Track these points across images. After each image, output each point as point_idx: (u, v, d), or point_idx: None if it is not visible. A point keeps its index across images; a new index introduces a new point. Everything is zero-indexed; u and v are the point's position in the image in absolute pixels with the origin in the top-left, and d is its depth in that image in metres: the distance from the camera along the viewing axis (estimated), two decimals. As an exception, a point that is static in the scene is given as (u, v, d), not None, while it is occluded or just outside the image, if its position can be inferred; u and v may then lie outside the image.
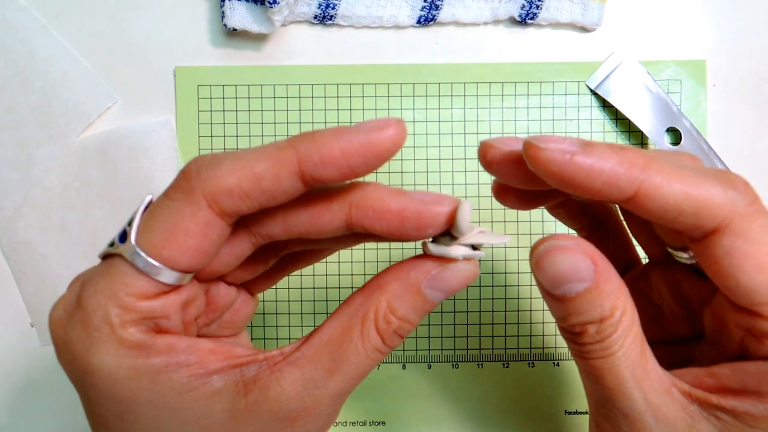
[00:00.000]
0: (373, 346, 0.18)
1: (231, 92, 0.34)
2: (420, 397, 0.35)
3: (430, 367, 0.35)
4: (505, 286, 0.35)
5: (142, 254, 0.17)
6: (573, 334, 0.18)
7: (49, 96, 0.34)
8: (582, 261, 0.17)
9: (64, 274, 0.34)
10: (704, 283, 0.21)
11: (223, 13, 0.33)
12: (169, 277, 0.17)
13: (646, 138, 0.34)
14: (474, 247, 0.19)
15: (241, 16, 0.33)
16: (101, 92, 0.34)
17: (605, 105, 0.35)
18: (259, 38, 0.34)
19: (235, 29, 0.33)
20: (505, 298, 0.35)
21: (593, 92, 0.35)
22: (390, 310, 0.18)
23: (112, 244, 0.18)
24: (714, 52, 0.35)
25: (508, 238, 0.19)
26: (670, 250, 0.21)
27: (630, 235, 0.24)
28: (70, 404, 0.34)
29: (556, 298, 0.18)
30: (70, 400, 0.34)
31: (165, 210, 0.17)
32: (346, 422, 0.34)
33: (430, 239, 0.19)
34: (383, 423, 0.34)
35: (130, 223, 0.18)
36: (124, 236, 0.17)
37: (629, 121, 0.34)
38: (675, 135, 0.34)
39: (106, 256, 0.18)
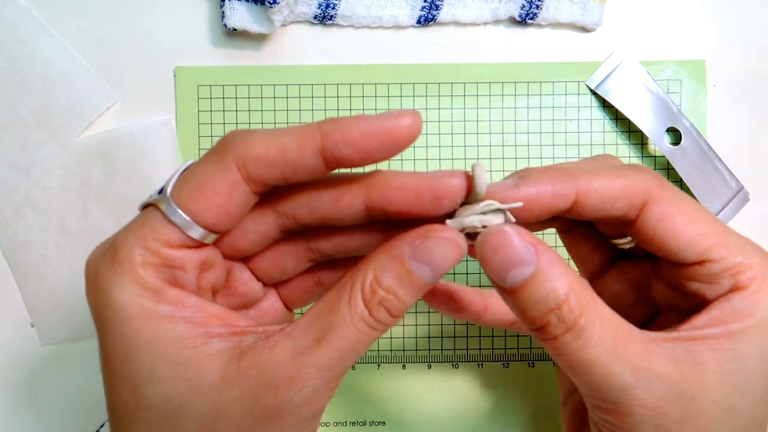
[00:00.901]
0: (359, 315, 0.18)
1: (231, 92, 0.34)
2: (420, 397, 0.35)
3: (430, 367, 0.35)
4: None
5: (173, 205, 0.19)
6: (540, 331, 0.19)
7: (49, 96, 0.34)
8: (520, 244, 0.18)
9: (64, 274, 0.34)
10: (648, 263, 0.23)
11: (223, 13, 0.33)
12: (194, 231, 0.19)
13: (646, 138, 0.34)
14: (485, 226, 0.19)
15: (241, 16, 0.33)
16: (101, 92, 0.34)
17: (605, 105, 0.35)
18: (259, 38, 0.34)
19: (235, 29, 0.33)
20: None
21: (593, 92, 0.35)
22: (376, 279, 0.19)
23: (151, 197, 0.20)
24: (714, 52, 0.35)
25: (520, 203, 0.20)
26: (613, 241, 0.23)
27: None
28: (69, 404, 0.34)
29: (508, 291, 0.19)
30: (70, 401, 0.34)
31: (200, 169, 0.19)
32: (346, 422, 0.34)
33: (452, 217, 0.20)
34: (383, 423, 0.34)
35: (169, 180, 0.19)
36: (162, 190, 0.19)
37: (629, 121, 0.34)
38: (675, 135, 0.34)
39: (145, 207, 0.20)
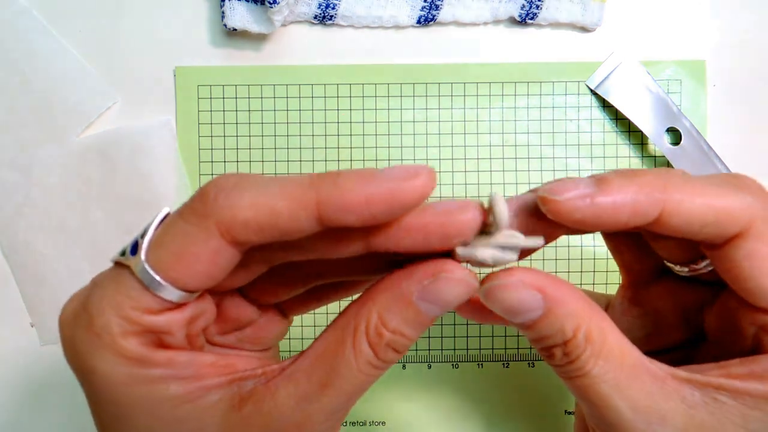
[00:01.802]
0: (366, 359, 0.18)
1: (231, 92, 0.34)
2: (420, 397, 0.35)
3: (430, 367, 0.35)
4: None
5: (150, 272, 0.17)
6: (545, 357, 0.19)
7: (49, 96, 0.34)
8: (526, 294, 0.18)
9: (65, 274, 0.34)
10: (703, 289, 0.21)
11: (223, 13, 0.33)
12: (174, 295, 0.17)
13: (646, 138, 0.34)
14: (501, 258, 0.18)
15: (241, 16, 0.33)
16: (101, 92, 0.34)
17: (605, 105, 0.35)
18: (259, 38, 0.34)
19: (235, 29, 0.33)
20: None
21: (593, 92, 0.35)
22: (381, 322, 0.18)
23: (123, 253, 0.18)
24: (714, 52, 0.35)
25: (541, 241, 0.18)
26: (669, 265, 0.21)
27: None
28: (70, 404, 0.34)
29: (517, 325, 0.18)
30: (71, 401, 0.34)
31: (177, 230, 0.17)
32: (346, 422, 0.34)
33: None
34: (383, 423, 0.34)
35: (143, 235, 0.18)
36: (135, 248, 0.18)
37: (629, 121, 0.34)
38: (675, 135, 0.34)
39: (116, 263, 0.18)
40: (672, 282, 0.22)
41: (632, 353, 0.18)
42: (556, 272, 0.34)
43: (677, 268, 0.21)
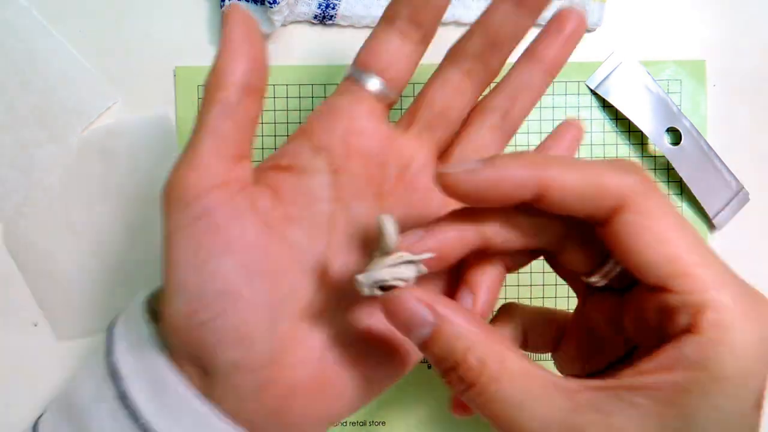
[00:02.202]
0: None
1: (231, 92, 0.34)
2: (420, 397, 0.35)
3: (430, 367, 0.35)
4: (505, 286, 0.35)
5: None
6: (447, 383, 0.19)
7: (49, 96, 0.34)
8: (416, 306, 0.19)
9: (74, 271, 0.34)
10: (620, 296, 0.21)
11: (223, 13, 0.33)
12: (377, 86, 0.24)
13: (646, 138, 0.34)
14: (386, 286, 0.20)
15: (241, 16, 0.33)
16: (101, 92, 0.34)
17: (605, 105, 0.35)
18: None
19: (235, 29, 0.33)
20: (505, 298, 0.35)
21: (593, 92, 0.35)
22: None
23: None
24: (714, 52, 0.35)
25: (430, 254, 0.20)
26: (583, 279, 0.22)
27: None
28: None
29: (417, 346, 0.20)
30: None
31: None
32: (346, 422, 0.34)
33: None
34: (383, 423, 0.34)
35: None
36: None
37: (629, 121, 0.34)
38: (675, 135, 0.34)
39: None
40: (596, 296, 0.22)
41: (537, 372, 0.18)
42: (543, 285, 0.34)
43: (592, 279, 0.21)
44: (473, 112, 0.26)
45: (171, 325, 0.21)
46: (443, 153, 0.26)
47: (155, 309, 0.24)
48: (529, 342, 0.25)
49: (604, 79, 0.35)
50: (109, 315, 0.34)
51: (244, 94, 0.21)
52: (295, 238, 0.23)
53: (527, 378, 0.18)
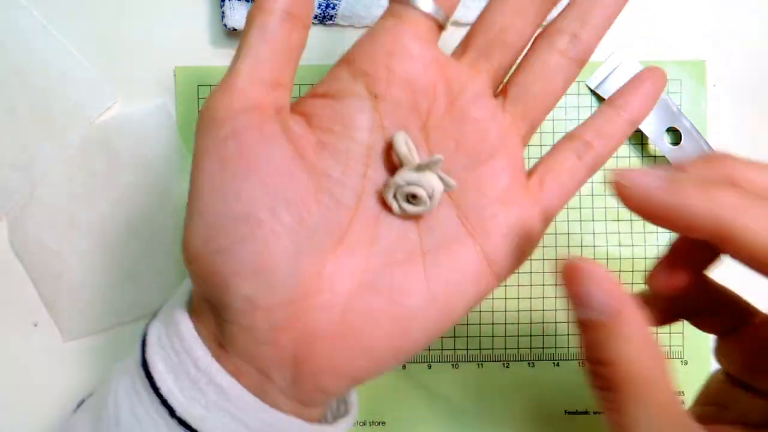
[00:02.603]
0: None
1: (231, 92, 0.34)
2: (420, 397, 0.35)
3: (430, 367, 0.35)
4: (506, 286, 0.35)
5: None
6: (586, 370, 0.19)
7: (49, 96, 0.34)
8: (602, 290, 0.18)
9: (79, 268, 0.34)
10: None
11: (223, 13, 0.33)
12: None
13: (646, 138, 0.34)
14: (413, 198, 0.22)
15: (241, 16, 0.33)
16: (101, 92, 0.34)
17: (605, 105, 0.35)
18: (259, 38, 0.34)
19: (235, 29, 0.33)
20: (505, 298, 0.35)
21: (593, 92, 0.35)
22: None
23: None
24: (714, 52, 0.35)
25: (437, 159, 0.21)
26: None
27: None
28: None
29: (579, 322, 0.18)
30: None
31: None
32: (346, 422, 0.34)
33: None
34: (383, 423, 0.34)
35: None
36: None
37: (629, 121, 0.34)
38: (675, 135, 0.34)
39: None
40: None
41: (681, 420, 0.18)
42: (543, 285, 0.34)
43: None
44: (537, 37, 0.24)
45: (189, 255, 0.21)
46: (503, 85, 0.24)
47: None
48: None
49: (604, 79, 0.35)
50: (115, 312, 0.34)
51: (285, 20, 0.21)
52: (328, 168, 0.22)
53: (667, 416, 0.17)
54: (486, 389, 0.35)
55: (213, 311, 0.22)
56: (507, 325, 0.35)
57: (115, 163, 0.34)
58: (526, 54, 0.24)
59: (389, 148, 0.22)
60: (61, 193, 0.34)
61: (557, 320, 0.35)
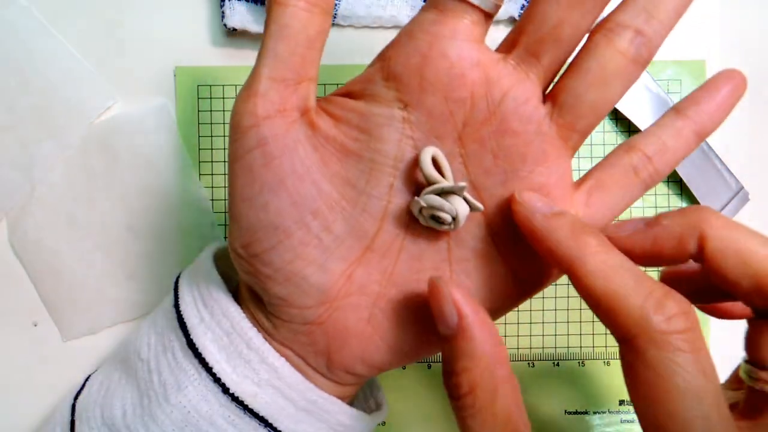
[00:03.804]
0: None
1: (231, 92, 0.34)
2: (420, 397, 0.35)
3: (429, 367, 0.35)
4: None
5: None
6: (444, 384, 0.20)
7: (49, 96, 0.34)
8: (447, 305, 0.19)
9: (78, 268, 0.34)
10: None
11: (223, 13, 0.33)
12: None
13: (646, 138, 0.34)
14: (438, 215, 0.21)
15: (241, 16, 0.33)
16: (101, 92, 0.34)
17: (605, 105, 0.35)
18: (259, 38, 0.34)
19: (235, 29, 0.33)
20: (505, 298, 0.35)
21: (593, 92, 0.35)
22: None
23: None
24: (714, 52, 0.35)
25: (463, 184, 0.20)
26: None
27: None
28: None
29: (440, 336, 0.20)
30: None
31: None
32: (346, 422, 0.34)
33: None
34: (383, 423, 0.34)
35: None
36: None
37: (629, 121, 0.34)
38: (675, 135, 0.34)
39: None
40: None
41: (519, 427, 0.21)
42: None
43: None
44: (593, 33, 0.21)
45: (233, 253, 0.22)
46: (552, 88, 0.22)
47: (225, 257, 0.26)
48: None
49: (604, 79, 0.34)
50: (115, 312, 0.34)
51: (302, 11, 0.20)
52: (353, 177, 0.21)
53: (506, 425, 0.19)
54: (486, 389, 0.35)
55: (260, 301, 0.23)
56: (507, 326, 0.35)
57: (115, 163, 0.34)
58: (580, 53, 0.21)
59: (416, 163, 0.21)
60: (61, 193, 0.34)
61: (557, 321, 0.35)
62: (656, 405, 0.17)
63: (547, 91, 0.22)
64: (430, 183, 0.21)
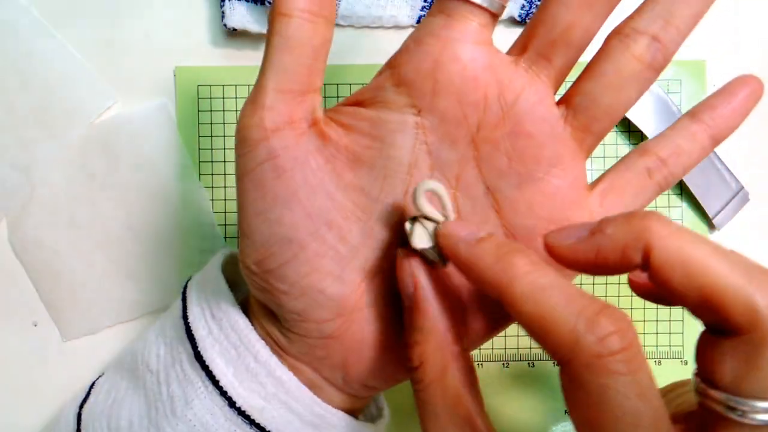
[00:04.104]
0: None
1: (231, 92, 0.34)
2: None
3: (430, 367, 0.35)
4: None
5: None
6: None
7: (49, 96, 0.34)
8: (407, 276, 0.19)
9: (79, 268, 0.34)
10: None
11: (223, 13, 0.33)
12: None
13: (646, 138, 0.34)
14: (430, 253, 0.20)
15: (241, 16, 0.33)
16: (101, 92, 0.34)
17: (605, 105, 0.35)
18: (259, 38, 0.34)
19: (235, 29, 0.33)
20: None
21: (593, 92, 0.35)
22: None
23: None
24: (714, 52, 0.35)
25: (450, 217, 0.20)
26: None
27: None
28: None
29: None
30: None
31: None
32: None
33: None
34: (383, 423, 0.34)
35: None
36: None
37: (629, 120, 0.34)
38: (675, 135, 0.34)
39: None
40: None
41: (466, 403, 0.19)
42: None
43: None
44: (609, 38, 0.21)
45: (245, 270, 0.22)
46: (566, 91, 0.22)
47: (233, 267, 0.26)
48: None
49: (604, 79, 0.34)
50: (115, 312, 0.34)
51: (305, 21, 0.19)
52: (366, 186, 0.21)
53: (455, 401, 0.19)
54: (486, 389, 0.35)
55: (273, 315, 0.23)
56: (507, 325, 0.35)
57: (115, 163, 0.34)
58: (596, 57, 0.21)
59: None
60: (61, 193, 0.34)
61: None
62: (594, 429, 0.16)
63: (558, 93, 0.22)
64: (425, 216, 0.20)
